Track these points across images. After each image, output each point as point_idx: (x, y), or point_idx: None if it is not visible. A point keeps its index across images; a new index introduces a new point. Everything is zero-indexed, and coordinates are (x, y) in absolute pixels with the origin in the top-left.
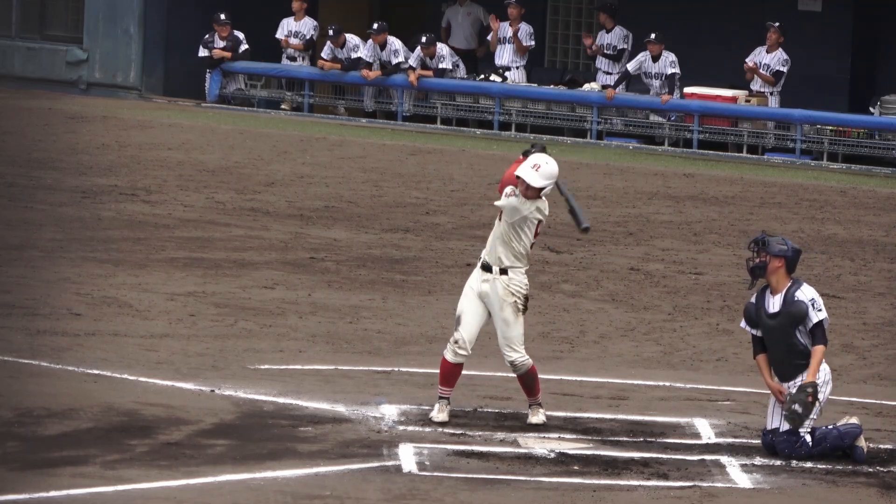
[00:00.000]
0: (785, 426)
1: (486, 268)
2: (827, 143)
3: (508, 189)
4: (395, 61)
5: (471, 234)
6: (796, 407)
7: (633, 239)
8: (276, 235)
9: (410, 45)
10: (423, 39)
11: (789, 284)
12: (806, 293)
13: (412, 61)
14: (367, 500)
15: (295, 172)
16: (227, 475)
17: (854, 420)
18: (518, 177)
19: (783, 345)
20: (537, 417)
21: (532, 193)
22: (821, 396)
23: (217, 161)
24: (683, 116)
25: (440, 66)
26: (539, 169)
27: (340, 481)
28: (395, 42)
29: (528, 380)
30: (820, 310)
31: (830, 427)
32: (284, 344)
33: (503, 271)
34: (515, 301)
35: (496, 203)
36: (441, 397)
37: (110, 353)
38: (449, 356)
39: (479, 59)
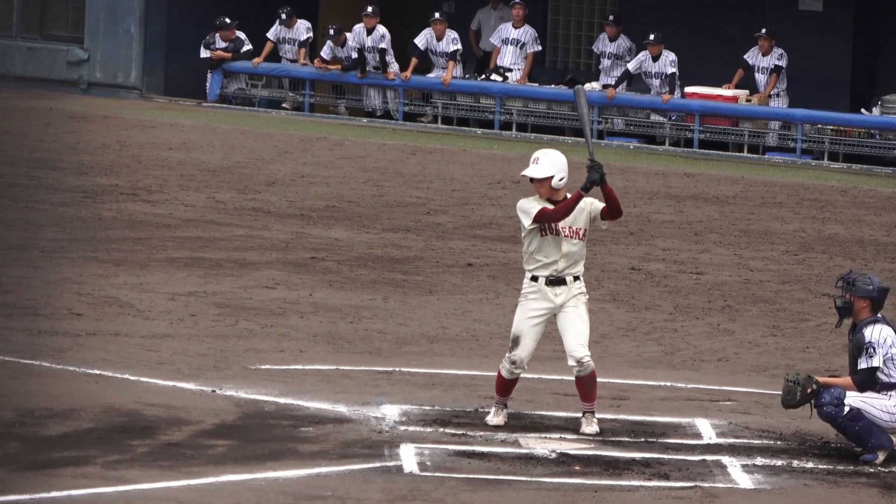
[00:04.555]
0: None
1: (557, 282)
2: (828, 142)
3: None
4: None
5: (472, 234)
6: (796, 382)
7: (633, 239)
8: (277, 235)
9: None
10: (332, 31)
11: (867, 317)
12: (872, 333)
13: (323, 53)
14: (368, 501)
15: (296, 172)
16: (228, 475)
17: (894, 437)
18: (530, 179)
19: (852, 366)
20: (591, 427)
21: (545, 190)
22: (866, 405)
23: (218, 161)
24: (684, 116)
25: (354, 56)
26: (539, 161)
27: (342, 481)
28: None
29: (588, 383)
30: (871, 356)
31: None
32: (285, 344)
33: (576, 278)
34: (588, 299)
35: (526, 225)
36: (497, 403)
37: (111, 354)
38: (504, 373)
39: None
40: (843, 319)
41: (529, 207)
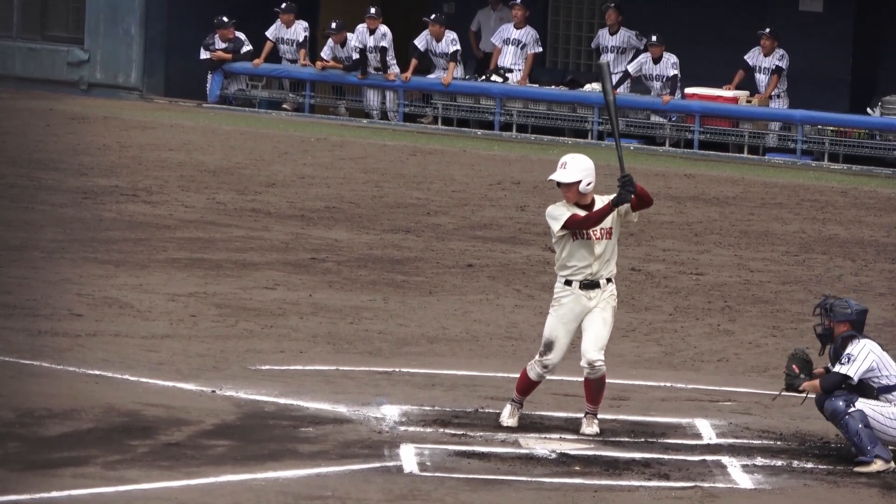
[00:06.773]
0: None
1: (591, 286)
2: (828, 143)
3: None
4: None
5: (472, 235)
6: (794, 368)
7: (633, 239)
8: (277, 236)
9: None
10: (333, 25)
11: (848, 334)
12: (854, 346)
13: (323, 53)
14: (368, 501)
15: (296, 173)
16: (228, 476)
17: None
18: (557, 183)
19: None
20: (592, 428)
21: (572, 195)
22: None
23: (218, 162)
24: (684, 117)
25: (354, 56)
26: (566, 165)
27: (341, 482)
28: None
29: (596, 386)
30: (844, 364)
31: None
32: (285, 344)
33: (608, 280)
34: (616, 303)
35: (555, 231)
36: (514, 401)
37: (111, 354)
38: (532, 375)
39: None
40: (826, 346)
41: (559, 214)
